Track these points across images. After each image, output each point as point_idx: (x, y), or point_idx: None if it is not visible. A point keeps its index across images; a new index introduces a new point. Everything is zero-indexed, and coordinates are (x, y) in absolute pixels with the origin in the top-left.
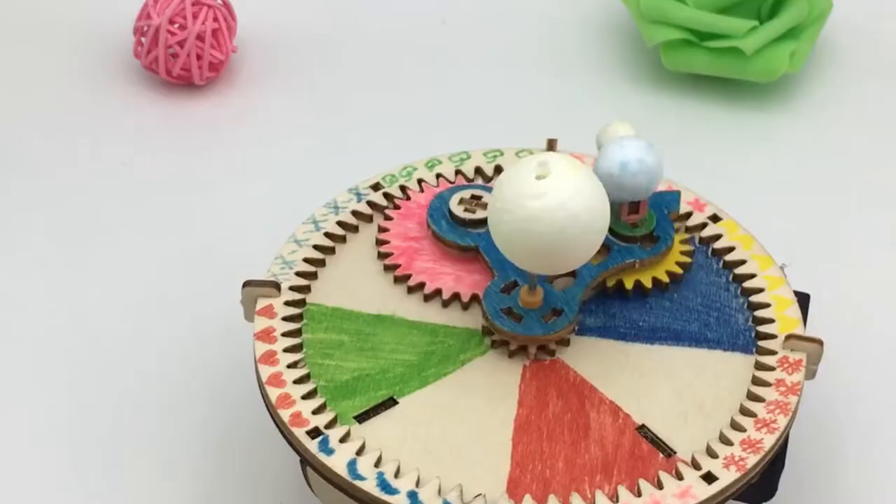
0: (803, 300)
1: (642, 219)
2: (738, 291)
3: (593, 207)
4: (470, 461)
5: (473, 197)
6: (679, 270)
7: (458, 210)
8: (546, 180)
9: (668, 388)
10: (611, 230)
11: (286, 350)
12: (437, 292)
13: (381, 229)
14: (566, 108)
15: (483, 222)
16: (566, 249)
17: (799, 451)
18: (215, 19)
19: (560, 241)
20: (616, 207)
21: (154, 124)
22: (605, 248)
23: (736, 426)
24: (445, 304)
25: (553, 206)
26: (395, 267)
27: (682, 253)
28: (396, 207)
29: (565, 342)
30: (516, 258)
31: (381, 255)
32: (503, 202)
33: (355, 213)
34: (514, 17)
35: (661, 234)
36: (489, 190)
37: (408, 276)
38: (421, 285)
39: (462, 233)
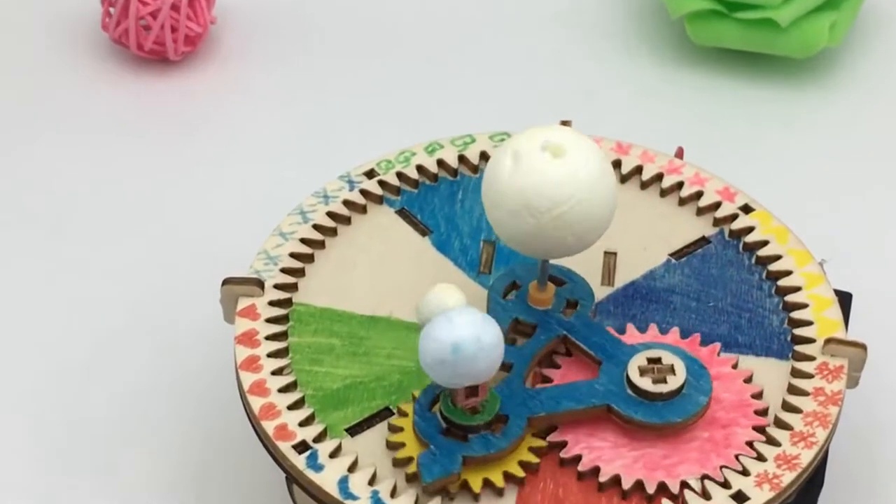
0: (845, 300)
1: (483, 402)
2: (773, 290)
3: (607, 166)
4: None
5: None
6: (534, 460)
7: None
8: (566, 157)
9: None
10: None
11: (270, 355)
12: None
13: None
14: (581, 85)
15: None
16: (597, 219)
17: (840, 467)
18: None
19: (590, 215)
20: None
21: (124, 103)
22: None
23: (770, 440)
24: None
25: (595, 174)
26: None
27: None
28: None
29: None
30: (544, 251)
31: None
32: (539, 200)
33: (347, 203)
34: None
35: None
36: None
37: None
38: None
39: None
